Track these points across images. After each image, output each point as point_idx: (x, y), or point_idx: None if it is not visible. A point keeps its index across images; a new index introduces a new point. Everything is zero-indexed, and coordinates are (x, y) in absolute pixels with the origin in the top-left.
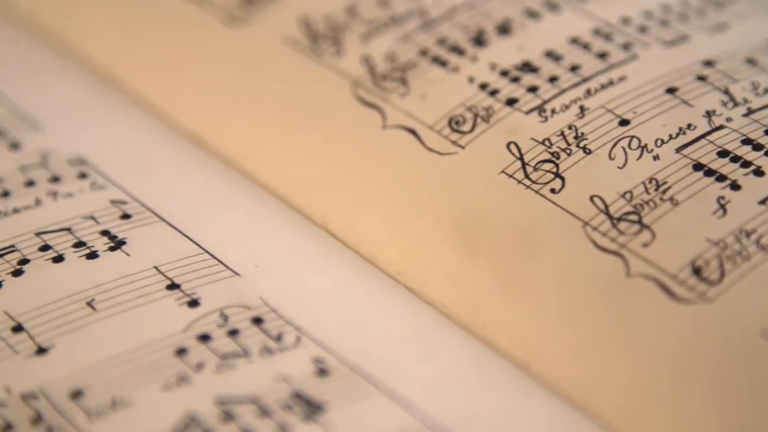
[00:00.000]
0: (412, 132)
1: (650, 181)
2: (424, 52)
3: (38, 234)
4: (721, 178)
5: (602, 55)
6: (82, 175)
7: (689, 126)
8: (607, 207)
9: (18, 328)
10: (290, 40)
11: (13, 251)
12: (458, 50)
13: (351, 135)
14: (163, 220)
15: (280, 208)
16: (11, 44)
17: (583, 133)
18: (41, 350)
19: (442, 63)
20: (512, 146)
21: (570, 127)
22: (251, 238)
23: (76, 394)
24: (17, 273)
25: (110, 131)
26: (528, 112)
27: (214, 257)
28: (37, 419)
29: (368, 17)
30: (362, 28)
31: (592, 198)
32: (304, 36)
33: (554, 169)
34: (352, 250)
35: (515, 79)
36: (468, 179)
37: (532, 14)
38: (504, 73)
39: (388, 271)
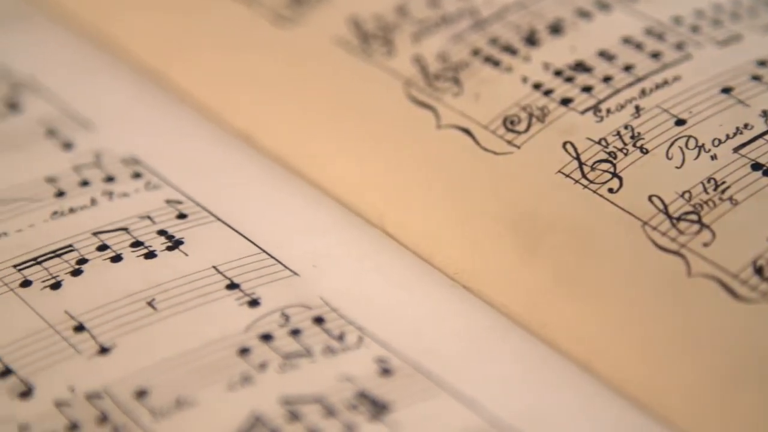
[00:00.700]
0: (467, 132)
1: (709, 181)
2: (476, 52)
3: (95, 234)
4: None
5: (655, 55)
6: (136, 175)
7: (746, 126)
8: (666, 207)
9: (79, 328)
10: (340, 40)
11: (71, 251)
12: (511, 50)
13: (405, 135)
14: (219, 219)
15: (336, 208)
16: (60, 45)
17: (639, 133)
18: (103, 350)
19: (495, 63)
20: (568, 146)
21: (626, 127)
22: (308, 237)
23: (141, 394)
24: (76, 273)
25: (161, 131)
26: (583, 112)
27: (273, 257)
28: (103, 419)
29: (419, 17)
30: (413, 27)
31: (650, 198)
32: (354, 36)
33: (611, 169)
34: (409, 250)
35: (569, 79)
36: (524, 179)
37: (584, 14)
38: (558, 73)
39: (446, 270)
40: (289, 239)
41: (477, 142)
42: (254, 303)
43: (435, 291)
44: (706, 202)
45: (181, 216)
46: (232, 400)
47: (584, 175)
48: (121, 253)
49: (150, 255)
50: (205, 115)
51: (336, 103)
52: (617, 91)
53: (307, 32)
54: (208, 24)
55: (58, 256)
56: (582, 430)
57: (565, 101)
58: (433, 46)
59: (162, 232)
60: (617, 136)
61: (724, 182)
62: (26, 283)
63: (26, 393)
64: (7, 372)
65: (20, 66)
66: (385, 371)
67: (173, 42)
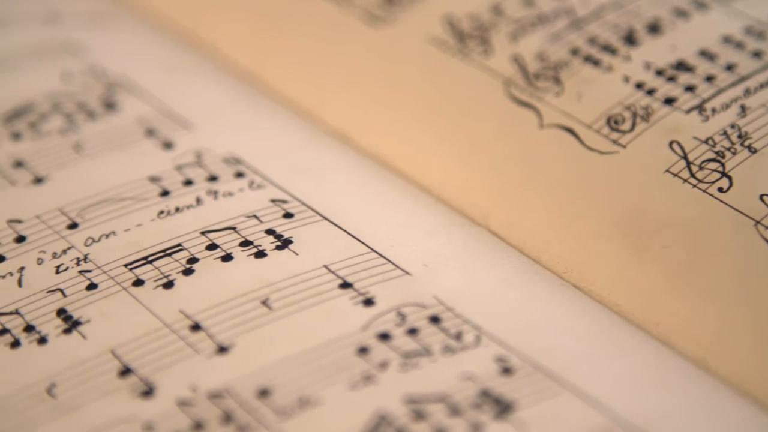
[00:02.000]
0: (570, 131)
1: None
2: (575, 51)
3: (203, 233)
4: None
5: (757, 54)
6: (239, 174)
7: None
8: None
9: (195, 327)
10: (435, 39)
11: (180, 250)
12: (610, 49)
13: (507, 134)
14: (325, 219)
15: (440, 208)
16: (150, 45)
17: (746, 132)
18: (222, 349)
19: (595, 62)
20: (675, 145)
21: (732, 126)
22: (416, 237)
23: (263, 393)
24: (188, 272)
25: (259, 131)
26: (688, 111)
27: (383, 256)
28: (227, 418)
29: (514, 16)
30: (509, 27)
31: (762, 197)
32: (450, 35)
33: (720, 168)
34: (516, 249)
35: (671, 79)
36: (631, 178)
37: (681, 13)
38: (659, 73)
39: (554, 269)
40: (398, 239)
41: (581, 142)
42: (369, 302)
43: (546, 290)
44: None
45: (288, 215)
46: (356, 400)
47: (693, 175)
48: (231, 253)
49: (260, 254)
50: (300, 114)
51: (434, 103)
52: (721, 91)
53: (401, 32)
54: (299, 25)
55: (169, 255)
56: (706, 430)
57: (669, 101)
58: (530, 46)
59: (270, 232)
60: (724, 136)
61: None
62: (138, 282)
63: (148, 392)
64: (127, 371)
65: (113, 66)
66: (506, 370)
67: (264, 43)
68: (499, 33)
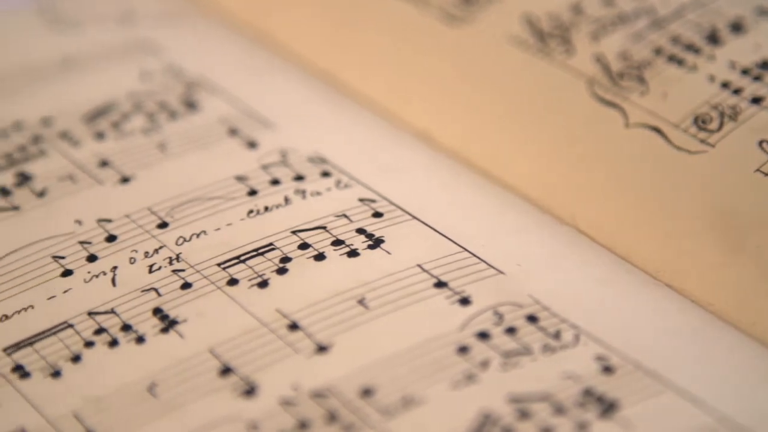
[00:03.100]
0: (657, 131)
1: None
2: (658, 51)
3: (294, 232)
4: None
5: None
6: (325, 174)
7: None
8: None
9: (293, 326)
10: (515, 39)
11: (272, 249)
12: (693, 49)
13: (592, 134)
14: (415, 218)
15: (527, 207)
16: (225, 44)
17: None
18: (321, 348)
19: (679, 62)
20: (765, 144)
21: None
22: (507, 236)
23: (366, 393)
24: (281, 271)
25: (342, 130)
26: None
27: (476, 256)
28: (331, 418)
29: (595, 16)
30: (590, 26)
31: None
32: (530, 35)
33: None
34: (605, 249)
35: (757, 78)
36: (721, 177)
37: (764, 12)
38: (745, 72)
39: (646, 269)
40: (489, 238)
41: (669, 141)
42: (465, 301)
43: (639, 289)
44: None
45: (377, 214)
46: (459, 399)
47: None
48: (323, 252)
49: (353, 253)
50: (379, 114)
51: (517, 102)
52: None
53: (480, 31)
54: (377, 25)
55: (261, 254)
56: None
57: (756, 100)
58: (613, 45)
59: (361, 231)
60: None
61: None
62: (233, 282)
63: (250, 391)
64: (227, 370)
65: (190, 65)
66: (607, 369)
67: (340, 43)
68: (580, 32)
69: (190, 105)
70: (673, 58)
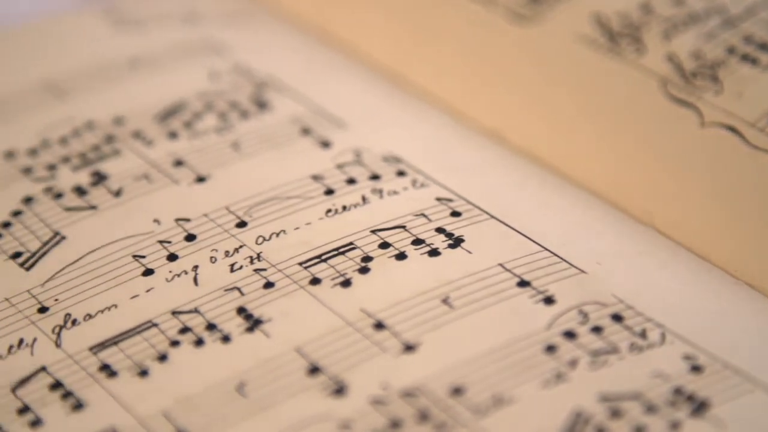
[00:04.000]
0: (733, 130)
1: None
2: (731, 50)
3: (374, 231)
4: None
5: None
6: (400, 173)
7: None
8: None
9: (379, 326)
10: (585, 38)
11: (353, 248)
12: (767, 48)
13: (666, 133)
14: (493, 217)
15: (604, 207)
16: (291, 43)
17: None
18: (409, 348)
19: (753, 61)
20: None
21: None
22: (586, 236)
23: (457, 391)
24: (363, 270)
25: (413, 129)
26: None
27: (557, 255)
28: (423, 417)
29: (665, 15)
30: (660, 26)
31: None
32: (600, 34)
33: None
34: (684, 248)
35: None
36: None
37: None
38: None
39: (726, 268)
40: (568, 237)
41: (745, 140)
42: (549, 301)
43: (721, 288)
44: None
45: (455, 214)
46: (550, 398)
47: None
48: (404, 251)
49: (434, 253)
50: (449, 113)
51: (589, 102)
52: None
53: (549, 30)
54: (443, 24)
55: (342, 253)
56: None
57: None
58: (684, 44)
59: (440, 230)
60: None
61: None
62: (315, 281)
63: (339, 391)
64: (315, 370)
65: (258, 65)
66: (695, 368)
67: (407, 43)
68: (651, 31)
69: (261, 104)
70: (746, 57)
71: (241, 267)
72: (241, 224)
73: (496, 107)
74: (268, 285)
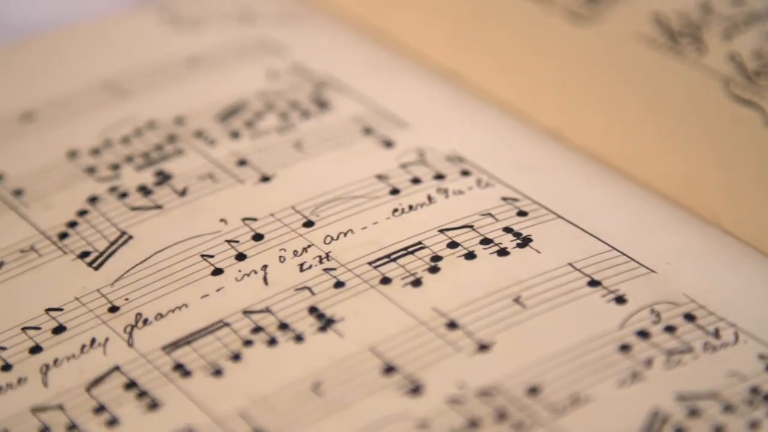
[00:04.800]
0: None
1: None
2: None
3: (442, 231)
4: None
5: None
6: (465, 173)
7: None
8: None
9: (452, 325)
10: (644, 37)
11: (422, 248)
12: None
13: (730, 133)
14: (560, 217)
15: (668, 206)
16: (350, 44)
17: None
18: (483, 347)
19: None
20: None
21: None
22: (654, 235)
23: (533, 391)
24: (433, 270)
25: (474, 129)
26: None
27: (626, 255)
28: (500, 416)
29: (725, 14)
30: (721, 25)
31: None
32: (660, 34)
33: None
34: (751, 247)
35: None
36: None
37: None
38: None
39: None
40: (636, 237)
41: None
42: (620, 300)
43: None
44: None
45: (522, 213)
46: (626, 397)
47: None
48: (473, 251)
49: (503, 252)
50: (508, 113)
51: (651, 102)
52: None
53: (607, 30)
54: (499, 24)
55: (411, 253)
56: None
57: None
58: (746, 44)
59: (508, 230)
60: None
61: None
62: (386, 281)
63: (416, 390)
64: (390, 369)
65: (316, 64)
66: None
67: (464, 42)
68: (711, 31)
69: (322, 104)
70: None
71: (310, 266)
72: (308, 224)
73: (556, 107)
74: (339, 284)
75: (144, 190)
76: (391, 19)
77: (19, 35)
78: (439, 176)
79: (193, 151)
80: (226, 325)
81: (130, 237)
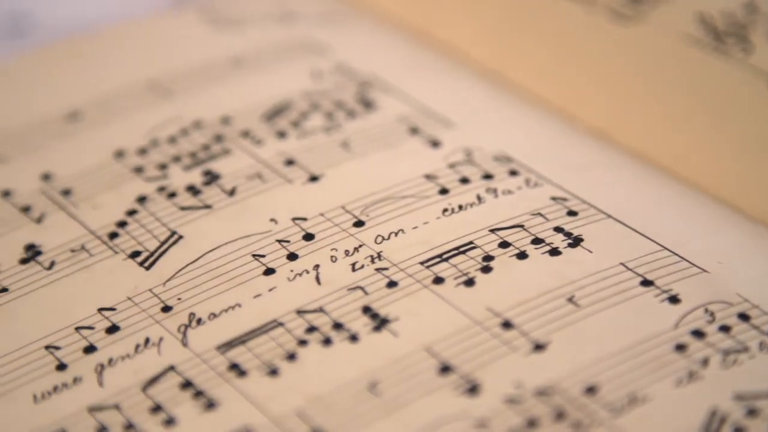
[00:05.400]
0: None
1: None
2: None
3: (492, 231)
4: None
5: None
6: (513, 173)
7: None
8: None
9: (507, 325)
10: (690, 37)
11: (473, 248)
12: None
13: None
14: (610, 217)
15: (718, 206)
16: (393, 44)
17: None
18: (538, 347)
19: None
20: None
21: None
22: (704, 234)
23: (591, 390)
24: (486, 270)
25: (520, 128)
26: None
27: (678, 254)
28: (559, 415)
29: None
30: (767, 25)
31: None
32: (705, 34)
33: None
34: None
35: None
36: None
37: None
38: None
39: None
40: (687, 236)
41: None
42: (674, 300)
43: None
44: None
45: (572, 213)
46: (684, 396)
47: None
48: (525, 251)
49: (554, 252)
50: (553, 112)
51: (697, 102)
52: None
53: (651, 30)
54: (542, 24)
55: (463, 253)
56: None
57: None
58: None
59: (558, 229)
60: None
61: None
62: (438, 280)
63: (473, 390)
64: (447, 369)
65: (359, 64)
66: None
67: (507, 43)
68: (757, 30)
69: (367, 104)
70: None
71: (362, 266)
72: (359, 223)
73: (601, 107)
74: (392, 284)
75: (192, 190)
76: (432, 19)
77: (58, 37)
78: (488, 176)
79: (240, 151)
80: (280, 324)
81: (181, 237)
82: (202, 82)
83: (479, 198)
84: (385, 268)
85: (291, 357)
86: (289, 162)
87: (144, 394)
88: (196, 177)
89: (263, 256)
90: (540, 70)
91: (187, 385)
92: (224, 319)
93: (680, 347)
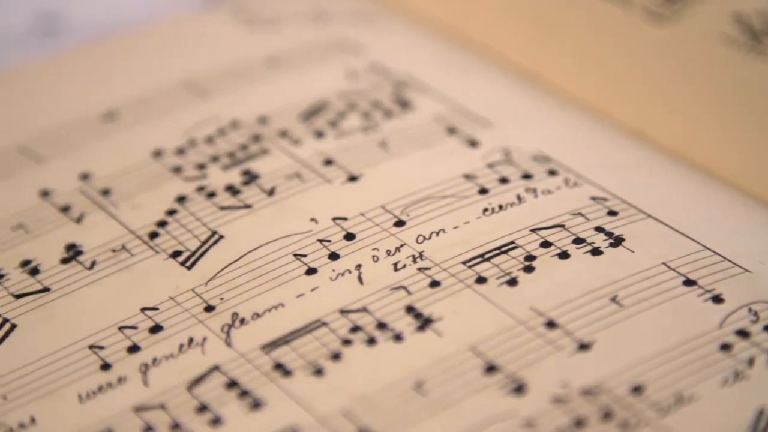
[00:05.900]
0: None
1: None
2: None
3: (533, 230)
4: None
5: None
6: (551, 172)
7: None
8: None
9: (551, 324)
10: (726, 37)
11: (515, 247)
12: None
13: None
14: (651, 216)
15: (755, 205)
16: (427, 44)
17: None
18: (583, 346)
19: None
20: None
21: None
22: (744, 234)
23: (637, 390)
24: (528, 269)
25: (558, 128)
26: None
27: (719, 254)
28: (606, 415)
29: None
30: None
31: None
32: (741, 33)
33: None
34: None
35: None
36: None
37: None
38: None
39: None
40: (727, 236)
41: None
42: (717, 299)
43: None
44: None
45: (612, 213)
46: (731, 396)
47: None
48: (566, 250)
49: (596, 252)
50: (590, 112)
51: (734, 101)
52: None
53: (687, 30)
54: (577, 24)
55: (504, 252)
56: None
57: None
58: None
59: (599, 229)
60: None
61: None
62: (481, 280)
63: (519, 389)
64: (492, 368)
65: (394, 64)
66: None
67: (542, 42)
68: None
69: (403, 104)
70: None
71: (404, 266)
72: (399, 223)
73: (638, 107)
74: (434, 284)
75: (232, 190)
76: (467, 19)
77: (89, 36)
78: (527, 176)
79: (278, 151)
80: (324, 324)
81: (221, 236)
82: (237, 82)
83: (519, 198)
84: (428, 268)
85: (336, 357)
86: (328, 162)
87: (189, 393)
88: (235, 177)
89: (305, 255)
90: (575, 70)
91: (232, 384)
92: (267, 318)
93: (725, 347)
